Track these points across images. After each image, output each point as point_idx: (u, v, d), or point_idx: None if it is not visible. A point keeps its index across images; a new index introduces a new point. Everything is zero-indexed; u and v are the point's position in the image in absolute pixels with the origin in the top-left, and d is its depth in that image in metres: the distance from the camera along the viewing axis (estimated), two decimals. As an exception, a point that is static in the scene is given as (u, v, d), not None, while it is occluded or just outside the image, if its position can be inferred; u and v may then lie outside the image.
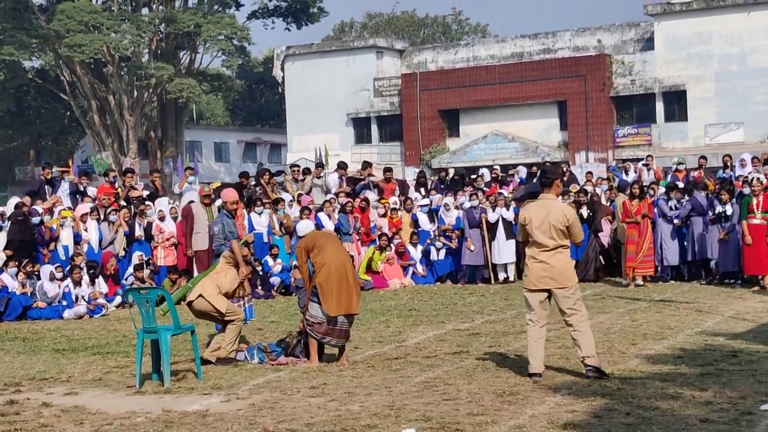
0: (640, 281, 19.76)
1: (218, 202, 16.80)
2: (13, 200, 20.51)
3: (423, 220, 22.95)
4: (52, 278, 17.99)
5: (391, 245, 22.10)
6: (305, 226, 12.93)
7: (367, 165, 25.03)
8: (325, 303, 11.16)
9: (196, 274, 19.22)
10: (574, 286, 10.06)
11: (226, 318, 11.59)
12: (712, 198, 20.48)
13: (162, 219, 20.77)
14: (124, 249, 20.29)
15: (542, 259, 9.98)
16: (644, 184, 21.75)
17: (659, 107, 45.92)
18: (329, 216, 21.99)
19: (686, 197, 20.73)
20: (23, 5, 49.37)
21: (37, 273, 18.34)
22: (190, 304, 11.57)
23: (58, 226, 19.37)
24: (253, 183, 23.23)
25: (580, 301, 10.09)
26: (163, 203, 21.50)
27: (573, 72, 46.72)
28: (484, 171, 26.93)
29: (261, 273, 20.01)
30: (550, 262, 9.97)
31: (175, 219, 20.79)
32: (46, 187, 21.39)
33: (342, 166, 24.95)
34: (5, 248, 18.46)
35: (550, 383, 9.58)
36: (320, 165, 26.98)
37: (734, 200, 19.73)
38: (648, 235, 19.97)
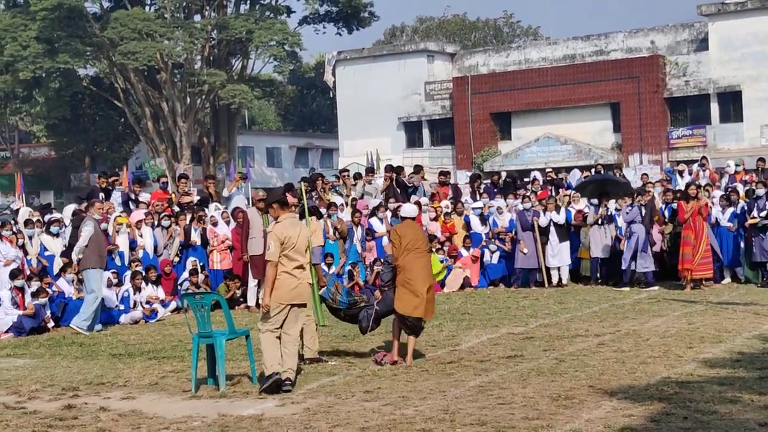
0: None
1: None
2: (70, 207, 20.70)
3: (475, 223, 22.83)
4: (110, 285, 18.15)
5: (443, 248, 22.06)
6: (411, 208, 12.80)
7: (419, 169, 24.97)
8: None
9: (251, 278, 19.26)
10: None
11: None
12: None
13: (215, 224, 20.92)
14: (178, 255, 20.44)
15: (295, 274, 10.38)
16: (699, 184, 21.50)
17: (714, 108, 45.41)
18: (381, 220, 21.99)
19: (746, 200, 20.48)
20: (78, 13, 49.93)
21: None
22: None
23: (114, 233, 19.54)
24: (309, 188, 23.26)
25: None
26: (211, 209, 21.65)
27: (626, 73, 46.37)
28: (536, 174, 26.80)
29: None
30: (301, 278, 10.44)
31: (227, 223, 20.92)
32: (100, 194, 21.59)
33: (388, 169, 24.92)
34: (63, 254, 18.61)
35: (606, 387, 9.51)
36: (371, 170, 26.98)
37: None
38: (704, 237, 19.72)
